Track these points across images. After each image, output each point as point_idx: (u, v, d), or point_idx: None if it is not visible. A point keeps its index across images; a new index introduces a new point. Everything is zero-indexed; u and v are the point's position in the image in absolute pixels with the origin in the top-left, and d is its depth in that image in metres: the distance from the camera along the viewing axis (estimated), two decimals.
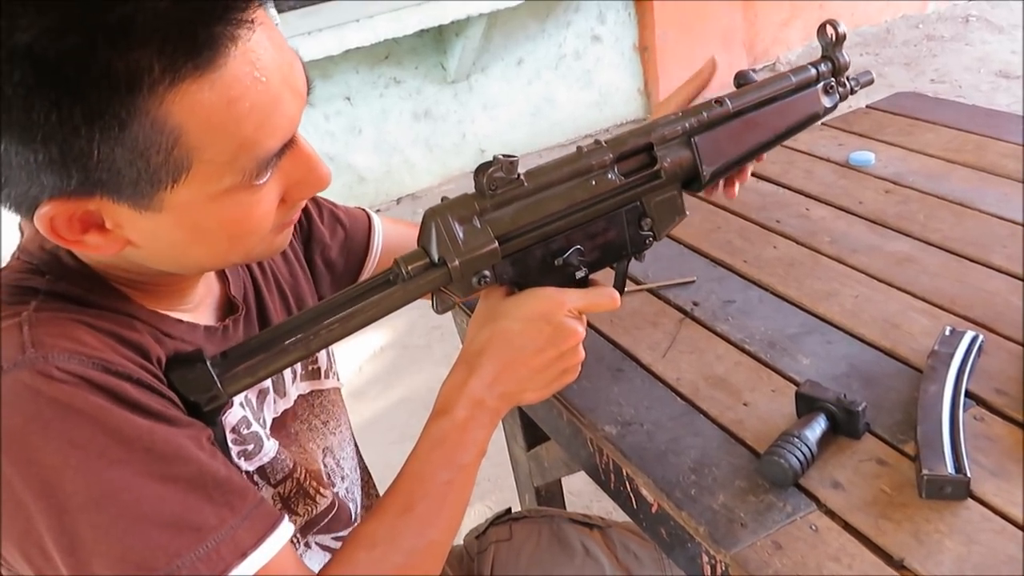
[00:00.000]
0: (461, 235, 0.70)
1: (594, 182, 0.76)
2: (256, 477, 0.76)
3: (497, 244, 0.72)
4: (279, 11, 3.12)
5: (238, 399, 0.74)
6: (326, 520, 0.85)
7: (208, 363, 0.66)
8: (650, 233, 0.80)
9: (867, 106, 1.61)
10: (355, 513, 0.91)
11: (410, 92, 3.56)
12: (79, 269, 0.67)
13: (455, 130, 3.71)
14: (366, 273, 0.98)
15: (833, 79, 0.86)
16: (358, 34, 3.10)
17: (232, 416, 0.73)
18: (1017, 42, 4.17)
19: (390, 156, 3.60)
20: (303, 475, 0.82)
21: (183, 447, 0.61)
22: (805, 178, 1.37)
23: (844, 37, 0.85)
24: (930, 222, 1.20)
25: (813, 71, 0.86)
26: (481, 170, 0.71)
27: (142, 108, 0.54)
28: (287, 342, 0.69)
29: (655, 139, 0.79)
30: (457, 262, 0.70)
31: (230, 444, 0.73)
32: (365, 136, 3.52)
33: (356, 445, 0.97)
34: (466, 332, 0.77)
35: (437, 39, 3.51)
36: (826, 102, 0.86)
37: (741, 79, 0.85)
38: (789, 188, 1.35)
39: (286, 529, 0.65)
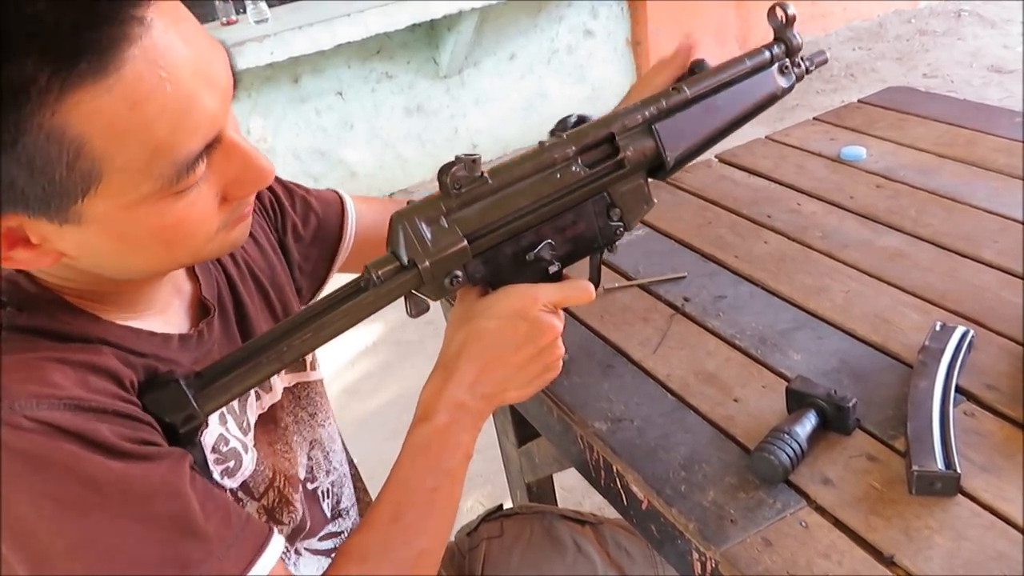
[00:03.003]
0: (429, 236, 0.69)
1: (559, 175, 0.75)
2: (240, 493, 0.76)
3: (466, 243, 0.71)
4: (269, 5, 3.11)
5: (214, 415, 0.73)
6: (308, 525, 0.85)
7: (182, 383, 0.65)
8: (620, 223, 0.80)
9: (859, 100, 1.61)
10: (330, 509, 0.89)
11: (402, 87, 3.55)
12: (40, 295, 0.64)
13: (447, 125, 3.70)
14: (341, 256, 0.96)
15: (787, 60, 0.87)
16: (349, 29, 3.09)
17: (209, 436, 0.72)
18: (1009, 37, 4.18)
19: (382, 151, 3.59)
20: (282, 482, 0.81)
21: (161, 483, 0.60)
22: (796, 173, 1.37)
23: (794, 19, 0.86)
24: (921, 217, 1.19)
25: (767, 54, 0.86)
26: (444, 170, 0.70)
27: (33, 121, 0.51)
28: (261, 357, 0.68)
29: (616, 129, 0.78)
30: (427, 263, 0.69)
31: (212, 464, 0.72)
32: (357, 131, 3.51)
33: (343, 441, 0.97)
34: (444, 335, 0.76)
35: (429, 34, 3.50)
36: (782, 82, 0.87)
37: (697, 67, 0.85)
38: (780, 183, 1.35)
39: (275, 547, 0.64)
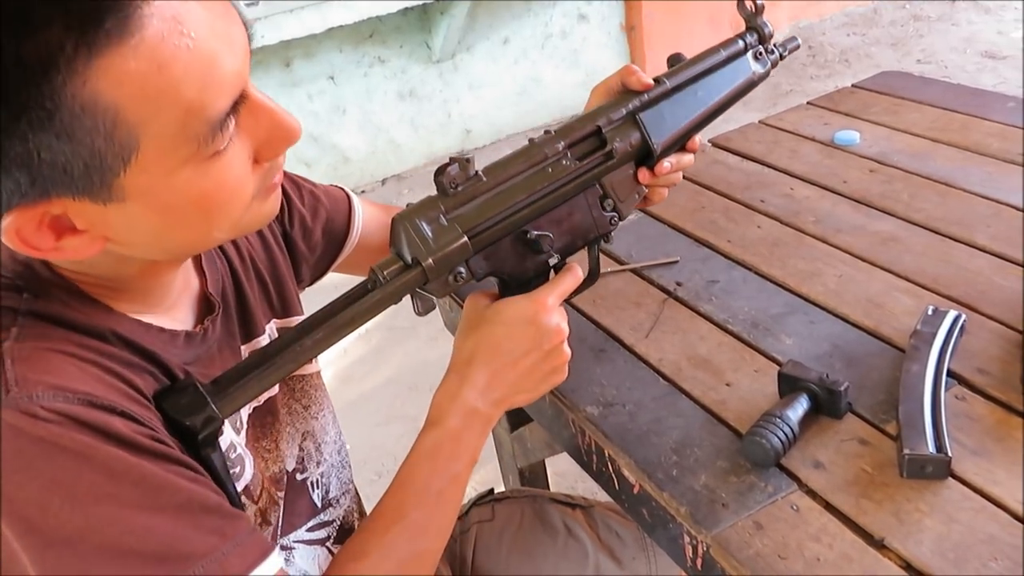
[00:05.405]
0: (430, 234, 0.72)
1: (550, 169, 0.78)
2: (243, 498, 0.76)
3: (467, 239, 0.73)
4: None
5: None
6: (291, 520, 0.84)
7: (200, 386, 0.66)
8: (614, 213, 0.83)
9: (853, 85, 1.60)
10: (320, 499, 0.89)
11: (395, 71, 3.53)
12: (55, 281, 0.64)
13: (440, 110, 3.68)
14: (345, 253, 0.97)
15: (761, 47, 0.90)
16: (341, 12, 3.06)
17: (223, 442, 0.73)
18: (1003, 23, 4.17)
19: (375, 136, 3.57)
20: (269, 483, 0.81)
21: (171, 477, 0.60)
22: (790, 157, 1.37)
23: (762, 8, 0.89)
24: (914, 201, 1.19)
25: (741, 43, 0.89)
26: (440, 171, 0.73)
27: (66, 91, 0.52)
28: (276, 358, 0.70)
29: (602, 123, 0.81)
30: (430, 260, 0.72)
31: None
32: (349, 116, 3.48)
33: (340, 431, 0.96)
34: (454, 342, 0.80)
35: (422, 18, 3.47)
36: (757, 68, 0.90)
37: (674, 60, 0.88)
38: (774, 167, 1.35)
39: (276, 560, 0.64)
